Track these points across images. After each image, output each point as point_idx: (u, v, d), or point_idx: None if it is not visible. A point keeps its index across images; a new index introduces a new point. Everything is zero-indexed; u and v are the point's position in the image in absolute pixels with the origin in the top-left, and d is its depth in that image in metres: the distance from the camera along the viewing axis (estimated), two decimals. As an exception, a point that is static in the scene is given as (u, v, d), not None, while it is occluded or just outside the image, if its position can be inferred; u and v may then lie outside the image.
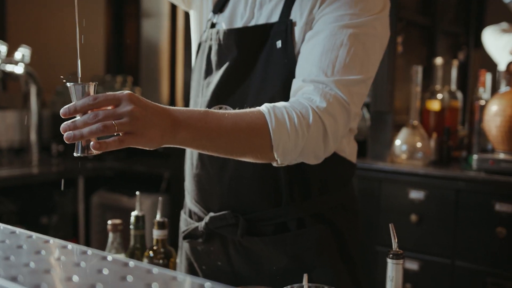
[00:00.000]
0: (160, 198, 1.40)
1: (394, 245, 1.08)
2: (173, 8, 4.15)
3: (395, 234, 1.10)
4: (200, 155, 1.38)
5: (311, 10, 1.26)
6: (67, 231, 3.31)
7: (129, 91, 0.98)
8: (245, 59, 1.32)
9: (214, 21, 1.41)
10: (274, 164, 1.18)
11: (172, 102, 4.04)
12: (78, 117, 0.97)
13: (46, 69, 3.57)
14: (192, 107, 1.45)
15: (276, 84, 1.26)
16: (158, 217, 1.36)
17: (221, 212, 1.34)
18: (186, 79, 3.34)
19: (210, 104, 1.33)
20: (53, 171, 3.27)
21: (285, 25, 1.27)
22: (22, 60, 3.20)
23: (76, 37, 1.02)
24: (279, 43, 1.27)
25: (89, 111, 0.96)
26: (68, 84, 0.99)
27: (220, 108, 1.32)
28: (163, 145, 1.03)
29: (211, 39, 1.37)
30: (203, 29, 1.44)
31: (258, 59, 1.30)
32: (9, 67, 3.16)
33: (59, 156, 3.56)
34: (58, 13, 3.82)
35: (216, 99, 1.33)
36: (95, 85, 1.00)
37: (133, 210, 1.42)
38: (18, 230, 0.96)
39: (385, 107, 2.63)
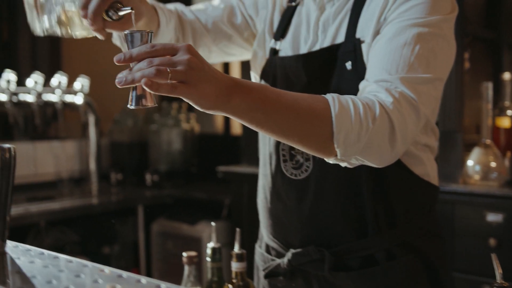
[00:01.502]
0: (237, 229, 1.34)
1: (498, 276, 1.00)
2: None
3: (498, 264, 1.01)
4: (274, 187, 1.32)
5: (377, 22, 1.19)
6: (129, 260, 3.30)
7: (188, 43, 0.93)
8: (315, 84, 1.26)
9: (277, 48, 1.35)
10: (331, 161, 1.07)
11: (227, 132, 4.01)
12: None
13: (103, 98, 3.60)
14: (260, 143, 1.40)
15: None
16: (236, 249, 1.30)
17: (304, 248, 1.27)
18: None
19: None
20: (113, 200, 3.29)
21: (352, 45, 1.21)
22: (81, 90, 3.24)
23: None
24: (349, 65, 1.21)
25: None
26: (124, 32, 0.94)
27: None
28: (216, 108, 0.93)
29: (275, 67, 1.32)
30: (265, 56, 1.39)
31: (329, 83, 1.24)
32: (68, 97, 3.20)
33: (118, 185, 3.59)
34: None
35: None
36: (151, 34, 0.95)
37: (194, 237, 1.37)
38: (75, 259, 0.97)
39: (454, 126, 2.53)
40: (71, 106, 3.27)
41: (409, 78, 1.09)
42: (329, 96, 1.04)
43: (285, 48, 1.34)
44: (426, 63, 1.11)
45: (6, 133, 3.39)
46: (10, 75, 2.87)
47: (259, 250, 1.43)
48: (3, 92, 2.87)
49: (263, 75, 1.37)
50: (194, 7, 1.44)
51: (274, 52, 1.36)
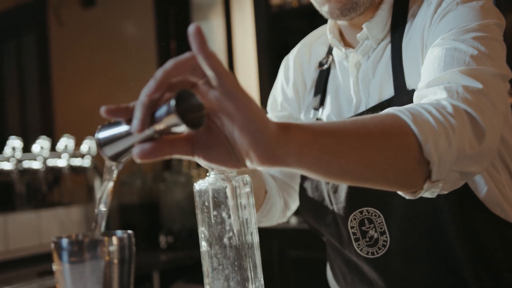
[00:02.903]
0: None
1: None
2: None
3: None
4: (353, 270, 1.17)
5: (422, 62, 1.05)
6: (150, 332, 3.08)
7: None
8: None
9: (319, 116, 1.22)
10: (420, 193, 0.83)
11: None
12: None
13: (107, 159, 3.42)
14: (317, 223, 1.22)
15: None
16: None
17: None
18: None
19: (349, 211, 1.12)
20: (126, 267, 3.06)
21: (408, 98, 1.04)
22: (88, 153, 3.04)
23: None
24: None
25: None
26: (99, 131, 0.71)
27: (363, 212, 1.11)
28: (278, 137, 0.65)
29: None
30: None
31: None
32: (73, 161, 3.01)
33: (130, 250, 3.37)
34: (110, 99, 3.71)
35: (356, 202, 1.10)
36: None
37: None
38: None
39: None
40: (77, 169, 3.07)
41: (471, 70, 0.90)
42: (389, 109, 0.83)
43: (328, 116, 1.20)
44: (483, 63, 0.94)
45: (8, 203, 3.17)
46: (15, 142, 2.66)
47: None
48: (8, 161, 2.66)
49: None
50: None
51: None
